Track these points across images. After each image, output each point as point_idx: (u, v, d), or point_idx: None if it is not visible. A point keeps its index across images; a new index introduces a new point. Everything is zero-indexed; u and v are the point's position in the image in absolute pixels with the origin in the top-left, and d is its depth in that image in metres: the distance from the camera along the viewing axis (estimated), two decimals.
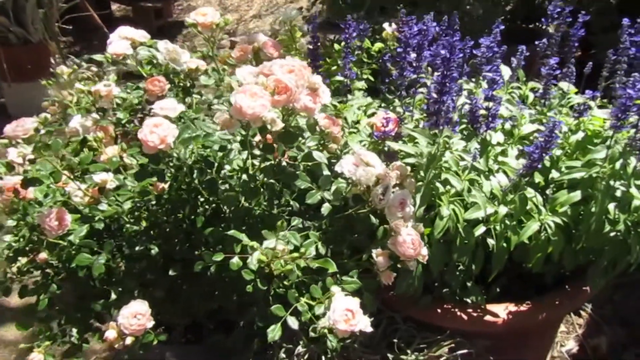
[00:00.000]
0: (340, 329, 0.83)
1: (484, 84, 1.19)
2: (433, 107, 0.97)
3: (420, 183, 1.04)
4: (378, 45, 1.52)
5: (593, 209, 1.05)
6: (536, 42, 1.24)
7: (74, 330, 1.11)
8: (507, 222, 1.10)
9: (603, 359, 1.81)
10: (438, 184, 1.07)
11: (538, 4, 2.76)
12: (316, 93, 0.87)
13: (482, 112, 1.12)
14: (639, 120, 0.95)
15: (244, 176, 0.94)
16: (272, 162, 0.97)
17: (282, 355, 1.22)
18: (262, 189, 0.94)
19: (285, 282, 0.96)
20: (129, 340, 0.93)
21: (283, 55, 1.40)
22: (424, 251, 0.96)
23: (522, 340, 1.30)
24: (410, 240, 0.92)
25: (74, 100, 1.33)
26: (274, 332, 0.91)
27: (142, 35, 1.40)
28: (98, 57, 1.40)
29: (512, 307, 1.21)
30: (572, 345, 1.85)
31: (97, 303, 1.01)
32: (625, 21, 1.09)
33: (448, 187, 1.07)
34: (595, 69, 1.23)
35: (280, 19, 1.58)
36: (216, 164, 0.95)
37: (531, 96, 1.32)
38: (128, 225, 1.01)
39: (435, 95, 0.96)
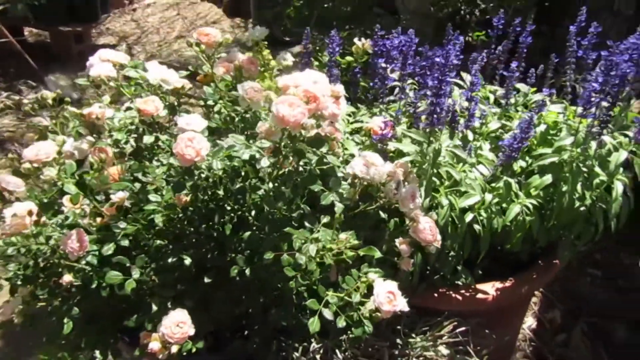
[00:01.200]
0: (385, 309, 0.92)
1: (455, 88, 1.35)
2: (430, 108, 1.10)
3: (421, 177, 1.16)
4: (348, 58, 1.64)
5: (564, 189, 1.22)
6: (483, 51, 1.41)
7: (97, 352, 1.11)
8: (493, 207, 1.24)
9: (559, 330, 2.02)
10: (433, 178, 1.19)
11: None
12: (338, 101, 0.96)
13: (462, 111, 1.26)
14: (597, 110, 1.13)
15: (269, 184, 1.00)
16: (291, 168, 1.04)
17: (296, 354, 1.28)
18: (286, 194, 1.01)
19: (314, 277, 1.03)
20: (174, 349, 0.96)
21: (259, 72, 1.48)
22: (439, 237, 1.08)
23: (505, 316, 1.45)
24: (428, 227, 1.03)
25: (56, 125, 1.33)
26: (313, 325, 0.98)
27: (123, 57, 1.42)
28: (81, 81, 1.40)
29: (498, 285, 1.35)
30: (531, 321, 2.05)
31: (131, 320, 1.02)
32: (572, 28, 1.28)
33: (443, 179, 1.20)
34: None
35: (250, 38, 1.65)
36: (243, 173, 1.00)
37: (491, 97, 1.48)
38: (158, 241, 1.03)
39: (432, 98, 1.08)
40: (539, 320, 2.05)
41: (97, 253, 1.09)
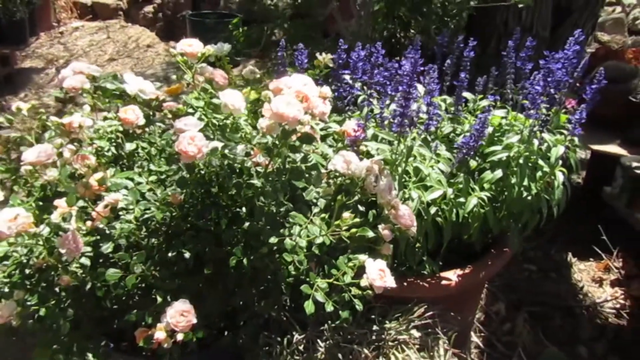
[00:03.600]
0: (377, 285, 1.02)
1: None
2: (399, 111, 1.23)
3: (392, 173, 1.28)
4: (310, 72, 1.76)
5: (513, 181, 1.38)
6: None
7: (90, 355, 1.12)
8: (454, 201, 1.39)
9: (504, 320, 2.21)
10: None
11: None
12: (325, 101, 1.07)
13: (422, 115, 1.41)
14: (538, 111, 1.31)
15: (261, 180, 1.08)
16: (279, 165, 1.13)
17: (279, 347, 1.35)
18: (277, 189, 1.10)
19: (302, 268, 1.12)
20: (180, 337, 1.00)
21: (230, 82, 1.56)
22: (415, 222, 1.20)
23: (465, 300, 1.59)
24: (407, 213, 1.15)
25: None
26: (309, 307, 1.06)
27: (95, 69, 1.46)
28: (55, 92, 1.42)
29: (459, 272, 1.49)
30: (479, 314, 2.22)
31: (131, 314, 1.05)
32: (510, 43, 1.47)
33: (410, 175, 1.33)
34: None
35: (215, 53, 1.73)
36: (237, 170, 1.08)
37: (442, 105, 1.65)
38: (153, 239, 1.07)
39: (402, 102, 1.21)
40: (486, 313, 2.22)
41: (91, 254, 1.12)
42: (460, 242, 1.55)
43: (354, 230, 1.03)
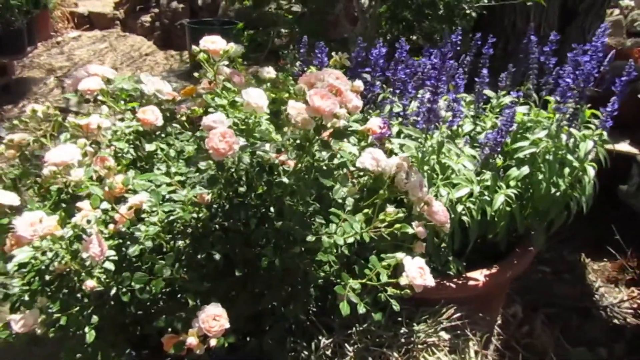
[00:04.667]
0: (417, 283, 0.99)
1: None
2: (427, 106, 1.20)
3: (420, 170, 1.25)
4: None
5: (540, 177, 1.36)
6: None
7: None
8: (480, 197, 1.36)
9: (522, 322, 2.17)
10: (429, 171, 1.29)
11: None
12: (357, 95, 1.04)
13: (445, 112, 1.38)
14: (564, 106, 1.28)
15: (291, 179, 1.05)
16: (307, 164, 1.10)
17: (306, 353, 1.31)
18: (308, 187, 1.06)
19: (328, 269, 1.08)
20: (213, 342, 0.96)
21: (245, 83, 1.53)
22: (449, 218, 1.17)
23: (491, 300, 1.56)
24: (441, 209, 1.12)
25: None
26: (344, 308, 1.02)
27: (110, 72, 1.43)
28: (70, 95, 1.39)
29: (486, 271, 1.46)
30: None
31: (160, 319, 1.01)
32: (533, 37, 1.45)
33: (437, 172, 1.30)
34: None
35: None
36: (267, 168, 1.04)
37: (462, 103, 1.63)
38: (180, 241, 1.04)
39: (430, 97, 1.18)
40: (503, 315, 2.18)
41: (114, 258, 1.08)
42: (483, 242, 1.52)
43: (397, 225, 1.00)
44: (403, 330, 1.35)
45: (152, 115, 1.31)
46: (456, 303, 1.43)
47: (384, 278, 1.04)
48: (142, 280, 1.00)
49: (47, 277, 1.12)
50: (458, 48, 1.73)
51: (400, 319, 1.39)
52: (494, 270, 1.46)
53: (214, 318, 0.97)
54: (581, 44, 1.48)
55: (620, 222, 2.46)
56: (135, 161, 1.35)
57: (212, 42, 1.22)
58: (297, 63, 1.49)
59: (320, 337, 1.32)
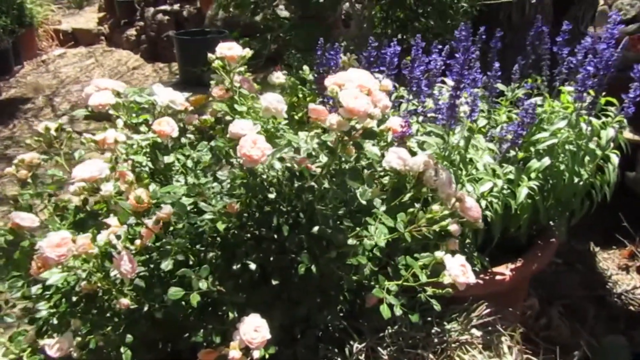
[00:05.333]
0: (461, 281, 0.97)
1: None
2: (450, 102, 1.19)
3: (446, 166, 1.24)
4: None
5: (562, 168, 1.35)
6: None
7: None
8: (504, 191, 1.35)
9: (539, 315, 2.17)
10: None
11: None
12: (386, 95, 1.02)
13: (464, 107, 1.37)
14: (585, 95, 1.28)
15: (321, 183, 1.03)
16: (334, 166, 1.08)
17: (338, 359, 1.28)
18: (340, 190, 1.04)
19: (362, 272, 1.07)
20: (257, 354, 0.94)
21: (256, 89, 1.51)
22: (481, 214, 1.15)
23: (516, 294, 1.55)
24: (474, 205, 1.11)
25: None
26: (385, 311, 1.00)
27: (120, 85, 1.40)
28: (80, 112, 1.36)
29: (511, 265, 1.45)
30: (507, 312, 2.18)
31: (198, 335, 0.98)
32: (545, 29, 1.45)
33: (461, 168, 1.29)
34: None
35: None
36: (297, 174, 1.02)
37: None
38: (211, 253, 1.01)
39: (453, 93, 1.17)
40: (521, 309, 2.18)
41: (144, 274, 1.05)
42: (503, 236, 1.51)
43: (443, 223, 0.99)
44: (435, 330, 1.33)
45: (168, 126, 1.29)
46: (483, 299, 1.41)
47: (423, 278, 1.02)
48: (176, 295, 0.97)
49: (74, 299, 1.09)
50: (463, 44, 1.73)
51: (430, 318, 1.37)
52: (519, 264, 1.46)
53: (255, 329, 0.95)
54: (576, 34, 1.49)
55: (627, 210, 2.47)
56: (153, 174, 1.32)
57: (229, 49, 1.20)
58: (313, 66, 1.47)
59: (351, 342, 1.30)
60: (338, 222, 1.12)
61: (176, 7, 6.03)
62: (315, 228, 1.01)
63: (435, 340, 1.31)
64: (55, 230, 1.17)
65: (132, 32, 6.05)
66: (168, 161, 1.26)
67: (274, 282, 1.00)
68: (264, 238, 1.04)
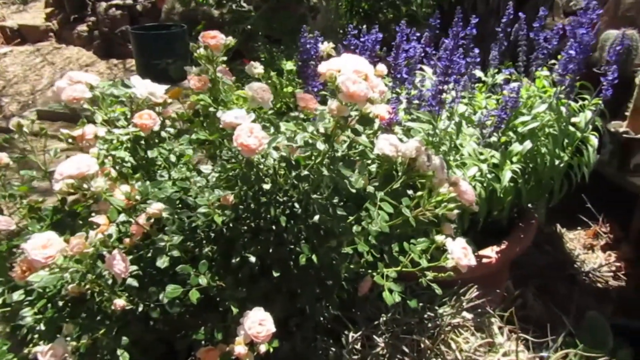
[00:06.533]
0: (463, 264, 0.97)
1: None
2: (439, 88, 1.19)
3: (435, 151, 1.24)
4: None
5: (544, 150, 1.38)
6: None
7: None
8: (489, 175, 1.37)
9: (515, 296, 2.22)
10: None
11: None
12: (381, 80, 1.01)
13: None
14: (565, 77, 1.31)
15: (322, 170, 1.01)
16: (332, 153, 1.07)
17: (334, 349, 1.27)
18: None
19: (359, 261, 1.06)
20: (263, 348, 0.91)
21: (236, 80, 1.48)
22: (475, 197, 1.16)
23: (500, 275, 1.58)
24: (469, 189, 1.11)
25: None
26: (391, 297, 1.00)
27: (93, 78, 1.34)
28: (54, 106, 1.29)
29: (496, 248, 1.47)
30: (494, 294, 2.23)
31: (199, 332, 0.95)
32: (521, 15, 1.48)
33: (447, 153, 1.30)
34: None
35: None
36: (293, 162, 1.00)
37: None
38: (207, 248, 0.98)
39: (442, 78, 1.17)
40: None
41: (137, 274, 1.00)
42: (486, 220, 1.53)
43: (450, 206, 0.98)
44: (427, 315, 1.34)
45: (150, 119, 1.24)
46: (471, 282, 1.43)
47: (424, 263, 1.02)
48: (175, 292, 0.93)
49: (60, 303, 1.04)
50: (437, 32, 1.74)
51: (421, 304, 1.38)
52: (503, 246, 1.48)
53: (259, 323, 0.92)
54: (534, 22, 1.52)
55: (590, 191, 2.56)
56: (135, 170, 1.27)
57: (213, 37, 1.16)
58: (287, 57, 1.44)
59: (346, 332, 1.29)
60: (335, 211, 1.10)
61: (129, 1, 5.84)
62: (316, 217, 0.99)
63: (429, 325, 1.32)
64: (36, 232, 1.11)
65: (83, 27, 5.82)
66: (152, 156, 1.21)
67: (275, 274, 0.98)
68: (261, 230, 1.01)
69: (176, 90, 1.45)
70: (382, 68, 1.04)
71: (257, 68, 1.59)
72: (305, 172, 1.03)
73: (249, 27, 2.46)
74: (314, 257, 0.98)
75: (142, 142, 1.28)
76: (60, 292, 1.03)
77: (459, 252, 0.99)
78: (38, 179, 1.21)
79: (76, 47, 5.76)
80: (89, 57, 5.55)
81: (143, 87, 1.29)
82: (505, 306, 2.16)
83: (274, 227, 1.01)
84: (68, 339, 0.94)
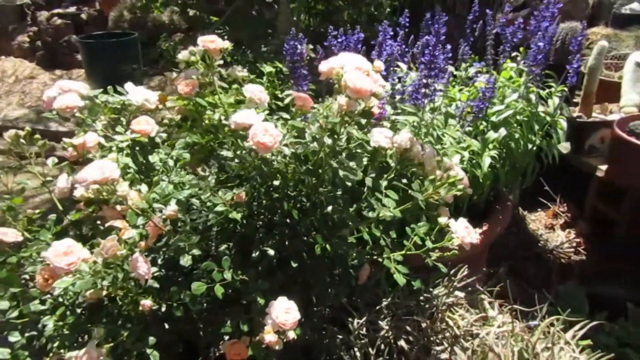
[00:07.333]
0: (467, 241, 1.05)
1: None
2: (423, 82, 1.27)
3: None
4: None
5: (517, 136, 1.49)
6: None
7: None
8: (471, 162, 1.47)
9: (488, 276, 2.35)
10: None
11: None
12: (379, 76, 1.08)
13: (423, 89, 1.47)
14: (534, 67, 1.43)
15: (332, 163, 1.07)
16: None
17: (341, 336, 1.33)
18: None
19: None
20: (292, 335, 0.96)
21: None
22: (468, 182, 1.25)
23: (483, 255, 1.68)
24: (462, 174, 1.20)
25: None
26: (401, 278, 1.07)
27: (83, 86, 1.35)
28: (48, 115, 1.28)
29: (479, 230, 1.57)
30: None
31: (227, 326, 0.98)
32: (488, 11, 1.58)
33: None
34: None
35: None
36: (302, 158, 1.05)
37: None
38: (223, 245, 1.01)
39: (426, 72, 1.26)
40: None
41: (160, 274, 1.03)
42: (463, 205, 1.63)
43: (459, 187, 1.06)
44: (424, 296, 1.42)
45: (148, 125, 1.26)
46: (459, 263, 1.52)
47: (429, 244, 1.10)
48: (199, 289, 0.96)
49: (78, 310, 1.04)
50: (407, 29, 1.83)
51: (415, 287, 1.46)
52: (485, 228, 1.58)
53: (286, 311, 0.97)
54: (488, 18, 1.64)
55: (547, 174, 2.74)
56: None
57: (212, 42, 1.19)
58: (288, 57, 1.49)
59: (350, 319, 1.35)
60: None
61: (72, 9, 5.68)
62: (329, 208, 1.04)
63: (427, 305, 1.40)
64: (47, 241, 1.11)
65: (24, 38, 5.61)
66: (153, 160, 1.23)
67: (293, 265, 1.02)
68: (275, 224, 1.05)
69: (162, 97, 1.46)
70: (379, 64, 1.10)
71: (242, 71, 1.63)
72: (309, 167, 1.09)
73: (216, 31, 2.47)
74: (327, 246, 1.04)
75: (138, 147, 1.29)
76: (78, 299, 1.04)
77: (463, 231, 1.07)
78: (37, 189, 1.20)
79: (17, 59, 5.55)
80: (30, 69, 5.36)
81: (138, 93, 1.30)
82: (481, 285, 2.29)
83: (288, 221, 1.05)
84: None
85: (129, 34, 4.48)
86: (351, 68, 1.02)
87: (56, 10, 5.65)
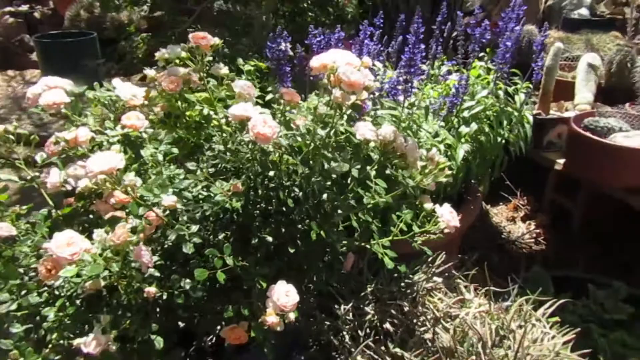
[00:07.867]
0: (453, 224, 1.13)
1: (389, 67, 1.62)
2: (403, 78, 1.35)
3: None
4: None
5: (487, 130, 1.59)
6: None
7: None
8: (446, 154, 1.55)
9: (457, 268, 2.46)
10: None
11: None
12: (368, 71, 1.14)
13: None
14: (499, 66, 1.53)
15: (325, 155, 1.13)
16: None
17: (327, 322, 1.39)
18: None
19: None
20: (292, 316, 1.01)
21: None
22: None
23: (456, 243, 1.78)
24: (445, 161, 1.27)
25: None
26: (391, 262, 1.13)
27: (67, 83, 1.36)
28: (34, 110, 1.28)
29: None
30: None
31: (229, 310, 1.02)
32: (459, 13, 1.68)
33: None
34: None
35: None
36: (297, 149, 1.10)
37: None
38: (221, 234, 1.05)
39: (407, 69, 1.33)
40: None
41: (161, 262, 1.06)
42: (437, 197, 1.72)
43: (449, 173, 1.13)
44: (405, 282, 1.49)
45: (138, 120, 1.28)
46: (436, 250, 1.61)
47: (415, 229, 1.17)
48: (202, 275, 1.00)
49: (78, 302, 1.06)
50: (382, 30, 1.91)
51: (396, 275, 1.53)
52: (459, 216, 1.67)
53: (286, 294, 1.01)
54: (453, 18, 1.76)
55: (508, 169, 2.88)
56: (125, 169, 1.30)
57: (203, 38, 1.22)
58: (272, 55, 1.53)
59: (336, 306, 1.41)
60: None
61: (25, 8, 5.51)
62: (324, 196, 1.10)
63: (408, 290, 1.47)
64: (43, 235, 1.12)
65: None
66: (145, 155, 1.25)
67: (290, 251, 1.07)
68: (271, 213, 1.10)
69: (148, 92, 1.48)
70: (367, 60, 1.17)
71: (223, 69, 1.66)
72: (304, 157, 1.14)
73: (189, 29, 2.48)
74: (322, 233, 1.09)
75: (128, 142, 1.31)
76: (77, 290, 1.05)
77: (449, 215, 1.14)
78: (27, 183, 1.20)
79: None
80: None
81: (126, 89, 1.32)
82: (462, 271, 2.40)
83: (283, 209, 1.10)
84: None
85: (88, 33, 4.39)
86: (342, 63, 1.08)
87: (7, 9, 5.46)
